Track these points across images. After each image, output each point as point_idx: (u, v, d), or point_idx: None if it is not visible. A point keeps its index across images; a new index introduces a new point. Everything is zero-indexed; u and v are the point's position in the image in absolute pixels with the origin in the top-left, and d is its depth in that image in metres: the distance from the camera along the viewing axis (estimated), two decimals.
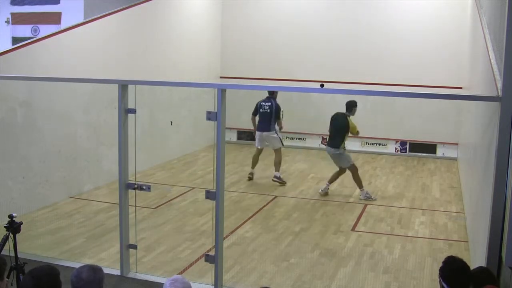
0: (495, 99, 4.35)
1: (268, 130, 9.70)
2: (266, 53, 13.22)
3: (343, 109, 12.63)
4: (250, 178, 9.86)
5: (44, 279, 3.16)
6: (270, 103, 9.67)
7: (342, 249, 6.58)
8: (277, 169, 9.69)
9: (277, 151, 9.79)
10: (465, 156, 9.30)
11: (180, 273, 5.76)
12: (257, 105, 9.85)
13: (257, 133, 9.85)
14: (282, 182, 9.61)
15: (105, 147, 8.90)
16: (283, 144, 9.96)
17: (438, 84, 11.52)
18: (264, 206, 8.36)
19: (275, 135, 9.76)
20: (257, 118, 9.99)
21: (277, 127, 9.79)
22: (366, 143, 12.77)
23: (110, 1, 10.94)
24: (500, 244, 4.23)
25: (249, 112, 13.28)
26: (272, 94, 9.82)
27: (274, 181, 9.61)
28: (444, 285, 3.44)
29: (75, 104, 8.56)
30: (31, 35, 13.19)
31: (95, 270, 3.24)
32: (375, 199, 8.76)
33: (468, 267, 3.53)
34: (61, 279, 3.29)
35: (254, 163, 10.00)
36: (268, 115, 9.68)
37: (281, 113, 9.72)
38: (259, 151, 9.96)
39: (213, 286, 5.37)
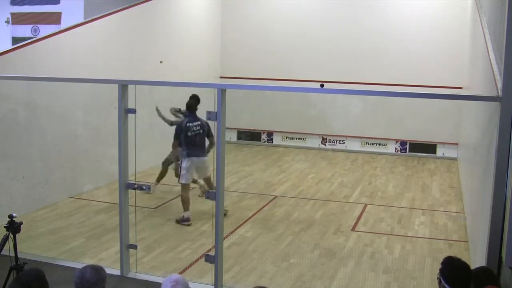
0: (495, 99, 4.35)
1: (205, 155, 7.63)
2: (266, 53, 13.23)
3: (343, 109, 12.77)
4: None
5: (34, 285, 3.13)
6: (199, 121, 7.51)
7: (342, 249, 6.58)
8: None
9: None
10: (465, 156, 9.30)
11: (180, 273, 5.76)
12: (191, 133, 7.51)
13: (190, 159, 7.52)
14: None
15: (105, 147, 8.89)
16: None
17: (438, 84, 11.54)
18: (264, 206, 8.36)
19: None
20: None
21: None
22: (366, 143, 12.77)
23: (110, 1, 10.93)
24: (500, 244, 4.23)
25: (249, 112, 13.31)
26: (195, 107, 7.59)
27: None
28: (446, 285, 3.43)
29: (75, 104, 8.56)
30: (31, 35, 13.18)
31: (97, 270, 3.26)
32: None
33: (468, 266, 3.53)
34: (61, 279, 3.29)
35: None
36: (200, 136, 7.55)
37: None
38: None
39: (213, 286, 5.37)
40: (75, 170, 8.60)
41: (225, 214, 6.98)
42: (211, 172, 7.50)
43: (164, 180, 8.94)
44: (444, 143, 12.29)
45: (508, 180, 4.17)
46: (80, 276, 3.20)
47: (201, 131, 7.53)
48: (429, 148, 12.42)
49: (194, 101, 7.61)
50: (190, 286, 3.23)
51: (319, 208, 8.29)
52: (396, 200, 8.86)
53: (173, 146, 7.69)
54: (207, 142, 7.71)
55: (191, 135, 7.50)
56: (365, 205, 8.50)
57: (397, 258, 6.34)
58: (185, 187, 7.57)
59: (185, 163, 7.49)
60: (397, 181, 10.20)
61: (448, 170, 11.19)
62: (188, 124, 7.46)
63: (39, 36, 8.66)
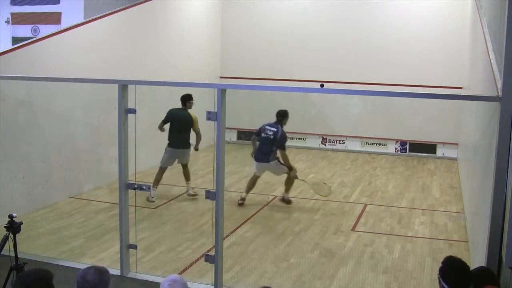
0: (495, 99, 4.35)
1: (267, 160, 8.27)
2: (266, 53, 13.23)
3: (343, 109, 12.77)
4: (241, 204, 8.32)
5: (32, 285, 3.08)
6: (275, 129, 8.22)
7: (342, 249, 6.58)
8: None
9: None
10: (465, 156, 9.29)
11: (180, 273, 5.76)
12: (263, 134, 8.30)
13: (255, 162, 8.40)
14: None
15: (105, 147, 8.90)
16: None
17: (438, 84, 11.54)
18: (264, 206, 8.36)
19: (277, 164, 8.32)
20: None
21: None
22: (366, 143, 12.77)
23: (110, 1, 10.94)
24: (500, 244, 4.23)
25: (249, 112, 13.25)
26: (282, 118, 8.33)
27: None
28: (444, 285, 3.44)
29: (75, 104, 8.56)
30: (31, 35, 13.19)
31: (101, 272, 3.22)
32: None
33: (468, 267, 3.53)
34: (61, 279, 3.27)
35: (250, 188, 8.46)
36: (271, 143, 8.19)
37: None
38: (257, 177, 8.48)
39: (213, 286, 5.37)
40: (75, 170, 8.59)
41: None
42: (287, 174, 8.31)
43: (164, 180, 8.94)
44: (444, 143, 12.29)
45: (508, 180, 4.17)
46: (83, 276, 3.17)
47: (272, 137, 8.15)
48: (429, 148, 12.42)
49: (284, 112, 8.33)
50: (190, 286, 3.23)
51: (319, 208, 8.29)
52: (396, 200, 8.86)
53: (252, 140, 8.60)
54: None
55: (263, 137, 8.25)
56: (365, 205, 8.50)
57: (397, 258, 6.33)
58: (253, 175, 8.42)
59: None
60: (397, 181, 10.20)
61: (448, 170, 11.19)
62: (266, 127, 8.26)
63: (39, 36, 8.66)
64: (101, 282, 3.17)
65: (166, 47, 11.18)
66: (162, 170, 8.63)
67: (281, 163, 8.29)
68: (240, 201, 8.32)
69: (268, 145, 8.22)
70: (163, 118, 8.53)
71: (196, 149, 8.74)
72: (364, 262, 6.19)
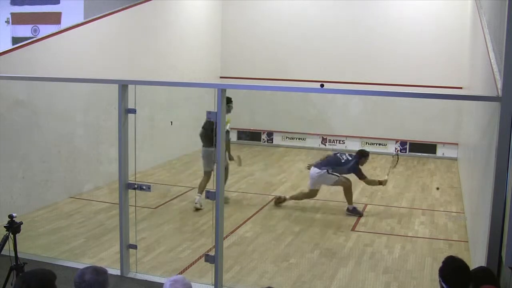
0: (495, 99, 4.36)
1: (320, 168, 8.21)
2: (266, 53, 13.23)
3: (343, 109, 12.76)
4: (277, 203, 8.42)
5: (34, 284, 3.08)
6: (349, 159, 8.24)
7: (342, 249, 6.59)
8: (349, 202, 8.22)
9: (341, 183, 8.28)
10: (465, 156, 9.30)
11: (180, 273, 5.76)
12: (338, 154, 8.57)
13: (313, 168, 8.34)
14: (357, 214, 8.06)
15: (105, 147, 8.90)
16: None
17: (438, 84, 11.54)
18: (264, 206, 8.36)
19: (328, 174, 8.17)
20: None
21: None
22: (366, 143, 12.76)
23: (110, 1, 10.94)
24: (500, 244, 4.23)
25: (249, 112, 13.24)
26: (360, 158, 8.29)
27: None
28: (444, 285, 3.44)
29: (75, 104, 8.56)
30: (31, 35, 13.19)
31: (98, 273, 3.21)
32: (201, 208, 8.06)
33: (468, 267, 3.53)
34: (61, 279, 3.26)
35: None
36: (338, 163, 8.21)
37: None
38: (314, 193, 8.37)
39: (213, 286, 5.37)
40: (75, 170, 8.59)
41: (226, 202, 7.65)
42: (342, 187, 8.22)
43: (164, 180, 8.95)
44: (444, 143, 12.29)
45: (508, 180, 4.17)
46: (80, 275, 3.18)
47: (342, 161, 8.22)
48: (429, 148, 12.42)
49: (363, 152, 8.49)
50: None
51: (319, 208, 8.29)
52: (396, 200, 8.86)
53: None
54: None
55: (336, 155, 8.45)
56: (365, 205, 8.49)
57: (397, 258, 6.34)
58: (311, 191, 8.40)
59: None
60: (397, 181, 10.20)
61: (448, 170, 11.18)
62: (346, 153, 8.53)
63: (39, 36, 8.66)
64: (98, 282, 3.17)
65: (166, 47, 11.18)
66: (205, 174, 8.30)
67: (331, 174, 8.17)
68: (278, 199, 8.38)
69: (333, 161, 8.26)
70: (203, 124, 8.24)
71: None
72: (364, 262, 6.19)
